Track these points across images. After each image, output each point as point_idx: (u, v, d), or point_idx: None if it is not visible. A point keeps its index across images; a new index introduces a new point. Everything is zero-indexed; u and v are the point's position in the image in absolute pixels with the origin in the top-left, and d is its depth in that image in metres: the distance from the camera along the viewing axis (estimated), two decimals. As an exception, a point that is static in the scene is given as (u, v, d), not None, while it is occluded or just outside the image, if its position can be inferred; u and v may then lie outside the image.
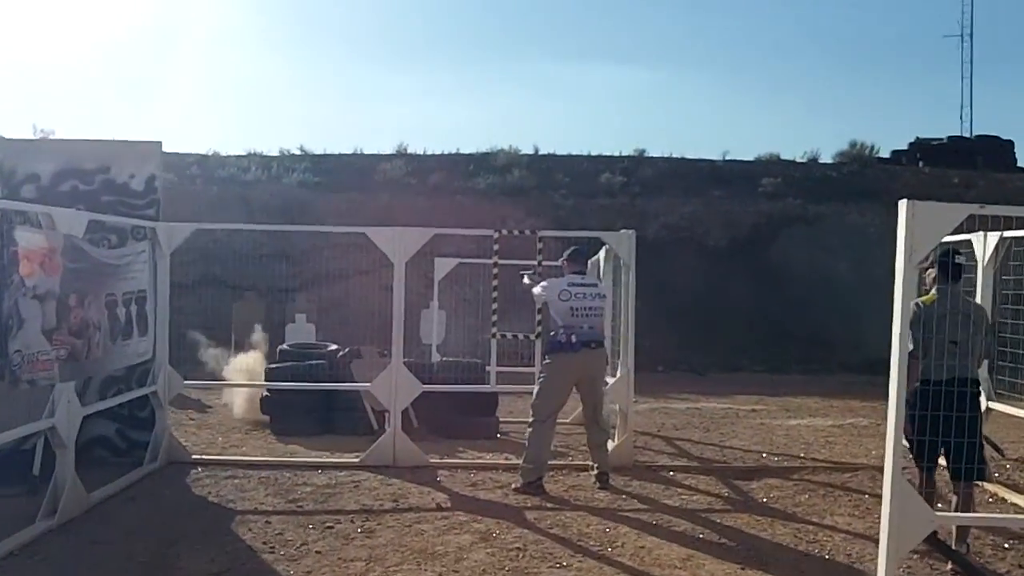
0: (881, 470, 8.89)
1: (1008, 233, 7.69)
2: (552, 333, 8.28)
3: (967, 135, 30.07)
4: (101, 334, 7.06)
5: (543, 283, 8.33)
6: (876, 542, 6.46)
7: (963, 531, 6.28)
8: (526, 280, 8.62)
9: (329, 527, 6.72)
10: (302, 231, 17.29)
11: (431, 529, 6.69)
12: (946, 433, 5.68)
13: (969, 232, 7.69)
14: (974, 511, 6.44)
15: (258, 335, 13.68)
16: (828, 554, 6.33)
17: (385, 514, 7.09)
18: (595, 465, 8.30)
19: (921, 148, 27.74)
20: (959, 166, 25.55)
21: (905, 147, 28.18)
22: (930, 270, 6.34)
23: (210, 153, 25.95)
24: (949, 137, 28.78)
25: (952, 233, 5.05)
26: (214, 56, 58.68)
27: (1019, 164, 27.24)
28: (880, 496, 7.88)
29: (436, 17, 63.93)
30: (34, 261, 5.93)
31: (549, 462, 8.28)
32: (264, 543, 6.31)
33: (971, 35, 32.48)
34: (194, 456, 8.87)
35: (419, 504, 7.42)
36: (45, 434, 6.71)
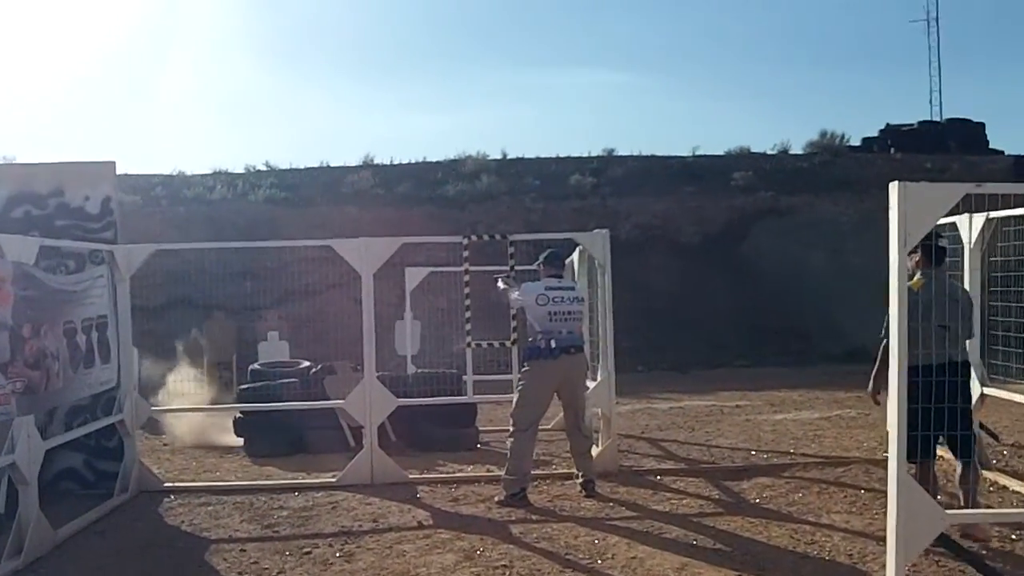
0: (874, 463, 8.89)
1: (994, 214, 7.50)
2: (530, 339, 8.04)
3: (937, 119, 30.10)
4: (60, 364, 6.75)
5: (519, 288, 8.08)
6: (876, 540, 6.34)
7: (969, 501, 6.18)
8: (500, 285, 8.35)
9: (307, 552, 6.45)
10: (269, 247, 16.94)
11: (413, 549, 6.43)
12: (940, 419, 5.43)
13: (952, 214, 7.49)
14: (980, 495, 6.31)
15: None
16: (828, 555, 6.10)
17: (364, 535, 6.82)
18: (580, 473, 8.06)
19: (892, 134, 27.76)
20: (931, 151, 25.54)
21: (876, 134, 28.15)
22: (913, 255, 6.12)
23: (175, 173, 25.63)
24: (919, 122, 28.83)
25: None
26: (177, 76, 58.14)
27: (991, 146, 27.23)
28: (876, 490, 7.82)
29: (399, 29, 63.79)
30: (-19, 291, 5.63)
31: (532, 472, 8.03)
32: (239, 573, 6.04)
33: (937, 19, 32.57)
34: (166, 484, 8.56)
35: (399, 523, 7.15)
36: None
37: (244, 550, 6.54)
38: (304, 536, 6.87)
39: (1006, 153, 26.35)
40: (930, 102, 32.34)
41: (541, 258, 8.21)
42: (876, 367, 6.55)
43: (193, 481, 8.90)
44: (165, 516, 7.59)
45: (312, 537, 6.82)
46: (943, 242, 6.33)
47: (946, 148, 25.85)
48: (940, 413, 5.39)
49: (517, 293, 8.08)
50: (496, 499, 7.69)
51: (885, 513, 6.96)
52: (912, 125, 28.64)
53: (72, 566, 6.24)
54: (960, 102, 65.68)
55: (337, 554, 6.38)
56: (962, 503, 6.32)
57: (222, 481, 8.89)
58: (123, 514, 7.65)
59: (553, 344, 7.74)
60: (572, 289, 8.16)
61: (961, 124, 28.29)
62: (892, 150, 27.04)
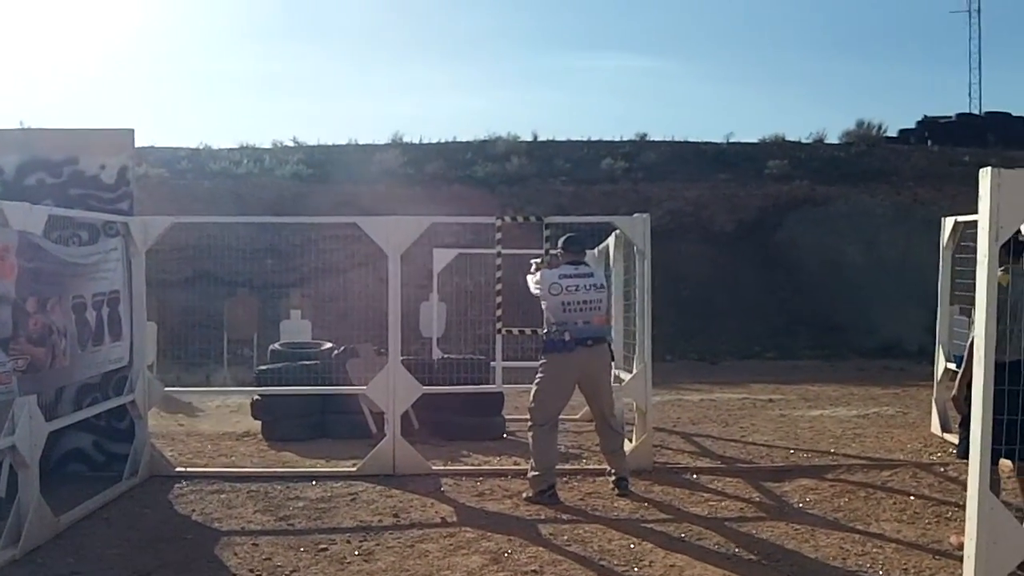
0: (921, 467, 8.42)
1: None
2: (545, 331, 7.55)
3: (976, 112, 29.45)
4: (67, 341, 6.39)
5: (536, 275, 7.60)
6: (932, 554, 5.91)
7: None
8: (533, 271, 7.87)
9: (323, 549, 6.05)
10: (295, 223, 16.63)
11: (436, 549, 6.02)
12: (1012, 413, 4.94)
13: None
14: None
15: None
16: (883, 570, 5.63)
17: (385, 532, 6.42)
18: (612, 470, 7.62)
19: (929, 126, 27.22)
20: (969, 144, 24.97)
21: (913, 126, 27.59)
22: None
23: (201, 147, 25.40)
24: (958, 114, 28.26)
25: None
26: (206, 49, 57.99)
27: (1030, 140, 26.55)
28: (926, 498, 7.37)
29: (430, 9, 63.28)
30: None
31: (559, 467, 7.60)
32: (250, 571, 5.64)
33: (979, 10, 31.97)
34: (178, 469, 8.18)
35: (422, 519, 6.74)
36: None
37: (257, 544, 6.15)
38: (321, 531, 6.47)
39: (1046, 148, 25.66)
40: (969, 95, 31.77)
41: (560, 243, 7.68)
42: (964, 367, 6.06)
43: (207, 466, 8.50)
44: (175, 503, 7.20)
45: (329, 532, 6.42)
46: (1021, 235, 5.86)
47: (984, 142, 25.26)
48: (1013, 404, 4.91)
49: (533, 281, 7.63)
50: (524, 495, 7.27)
51: (938, 523, 6.67)
52: (950, 118, 28.08)
53: (72, 557, 5.83)
54: (1000, 95, 64.75)
55: (355, 552, 5.98)
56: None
57: (237, 467, 8.50)
58: (131, 500, 7.26)
59: (567, 336, 7.27)
60: (591, 276, 7.52)
61: (1001, 118, 27.73)
62: (929, 143, 26.46)
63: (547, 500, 7.12)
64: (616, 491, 7.42)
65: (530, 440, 7.44)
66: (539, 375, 7.46)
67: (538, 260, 7.92)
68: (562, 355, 7.32)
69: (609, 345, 7.68)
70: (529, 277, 7.75)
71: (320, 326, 14.63)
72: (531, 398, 7.48)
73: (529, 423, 7.48)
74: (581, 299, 7.34)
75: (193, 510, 7.01)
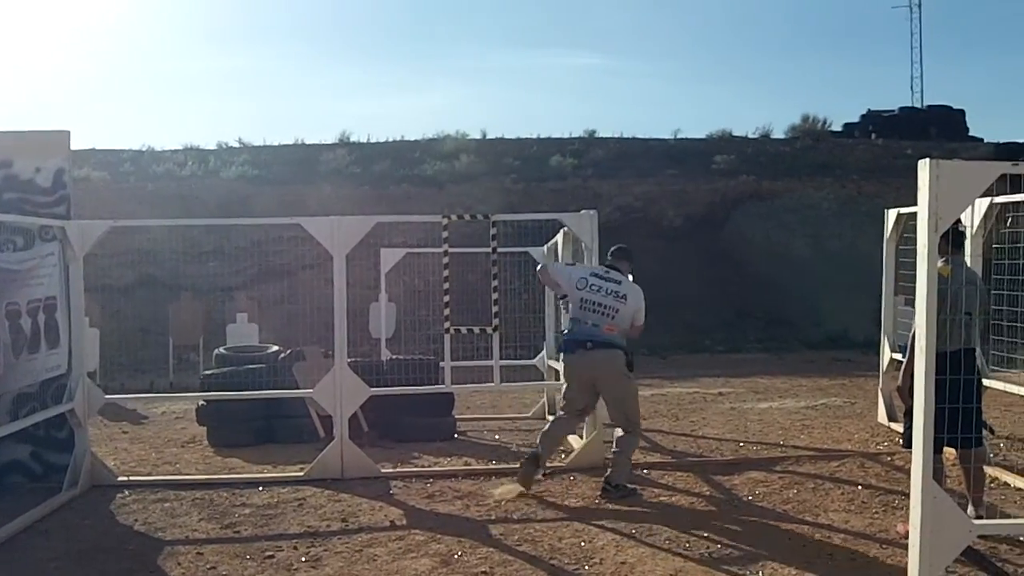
0: (868, 456, 8.49)
1: (998, 199, 7.09)
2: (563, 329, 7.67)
3: (918, 106, 29.90)
4: (1, 349, 6.22)
5: (568, 264, 7.73)
6: (878, 542, 5.97)
7: (978, 498, 5.90)
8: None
9: (269, 556, 5.94)
10: (240, 225, 16.40)
11: (384, 553, 5.94)
12: (954, 401, 4.97)
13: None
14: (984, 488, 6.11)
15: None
16: (831, 559, 5.66)
17: (332, 537, 6.32)
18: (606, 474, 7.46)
19: (873, 120, 27.58)
20: (911, 137, 25.33)
21: (857, 120, 27.93)
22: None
23: (144, 149, 25.02)
24: (900, 108, 28.66)
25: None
26: (149, 50, 57.19)
27: (971, 133, 27.02)
28: (873, 487, 7.42)
29: (375, 9, 62.95)
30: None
31: (505, 465, 7.61)
32: (194, 580, 5.53)
33: (919, 5, 32.41)
34: (120, 478, 7.99)
35: (371, 523, 6.65)
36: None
37: (201, 553, 6.02)
38: (267, 537, 6.35)
39: (986, 140, 26.10)
40: (911, 88, 32.26)
41: (610, 251, 7.79)
42: (908, 357, 6.10)
43: (150, 474, 8.34)
44: (117, 514, 7.03)
45: (276, 539, 6.31)
46: (961, 227, 5.93)
47: (927, 134, 25.64)
48: (953, 393, 4.94)
49: (557, 271, 7.79)
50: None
51: (885, 512, 6.71)
52: (893, 111, 28.48)
53: (8, 572, 5.69)
54: (941, 89, 65.87)
55: (302, 558, 5.88)
56: (970, 502, 5.96)
57: (181, 474, 8.35)
58: (71, 511, 7.06)
59: (572, 336, 7.43)
60: (617, 284, 7.46)
61: (942, 111, 28.19)
62: (873, 136, 26.79)
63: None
64: (600, 494, 7.27)
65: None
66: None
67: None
68: (567, 356, 7.53)
69: (624, 351, 7.47)
70: (548, 266, 7.93)
71: (267, 329, 14.46)
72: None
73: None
74: (598, 301, 7.37)
75: (135, 520, 6.86)
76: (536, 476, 7.42)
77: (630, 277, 7.65)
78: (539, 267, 7.99)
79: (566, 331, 7.60)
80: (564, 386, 7.74)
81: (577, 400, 7.63)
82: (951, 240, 5.65)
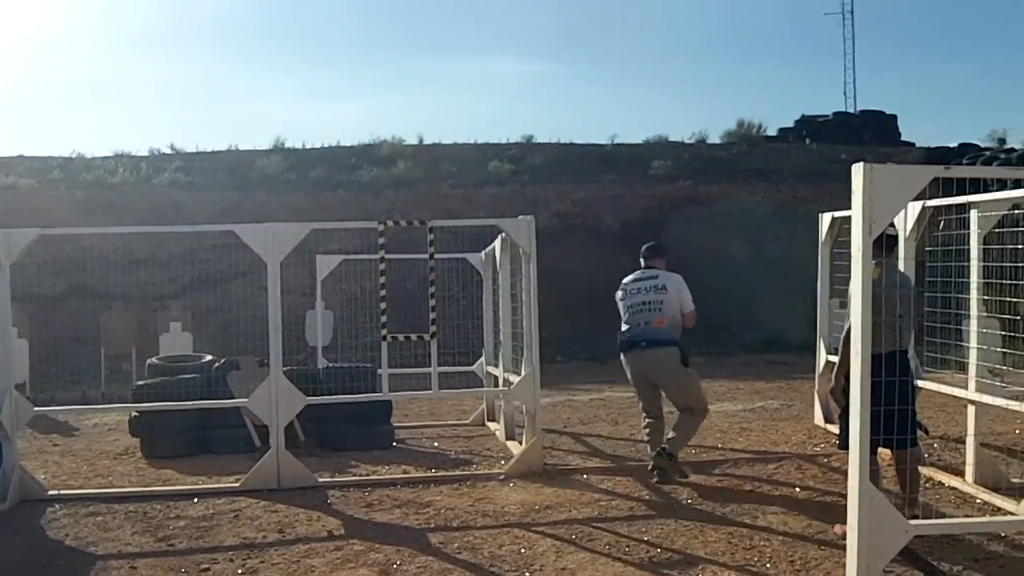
0: (805, 458, 8.57)
1: (931, 202, 7.20)
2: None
3: (852, 111, 30.39)
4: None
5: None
6: (816, 543, 6.01)
7: (913, 498, 5.95)
8: None
9: (205, 569, 5.83)
10: (173, 233, 16.12)
11: (322, 564, 5.85)
12: (888, 403, 5.05)
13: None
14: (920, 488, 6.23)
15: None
16: (770, 562, 5.69)
17: (269, 548, 6.22)
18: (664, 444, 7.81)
19: (807, 125, 27.97)
20: (845, 141, 25.71)
21: (791, 125, 28.32)
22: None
23: (74, 155, 24.49)
24: (834, 113, 29.08)
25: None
26: (78, 56, 56.16)
27: (903, 138, 27.52)
28: (811, 488, 7.50)
29: (312, 18, 62.53)
30: None
31: (448, 472, 7.56)
32: (126, 596, 5.40)
33: (852, 12, 32.97)
34: (51, 492, 7.79)
35: (308, 533, 6.55)
36: None
37: (135, 567, 5.89)
38: (202, 550, 6.23)
39: (917, 145, 26.60)
40: (844, 94, 32.81)
41: (641, 251, 8.24)
42: (839, 359, 6.18)
43: (82, 488, 8.14)
44: (47, 528, 6.85)
45: (211, 551, 6.19)
46: (892, 230, 6.00)
47: (860, 139, 26.05)
48: (888, 394, 5.01)
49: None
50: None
51: (823, 513, 6.76)
52: (827, 116, 28.88)
53: (-68, 591, 5.53)
54: (874, 94, 67.07)
55: (239, 571, 5.78)
56: (905, 502, 6.03)
57: (114, 487, 8.17)
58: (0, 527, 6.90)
59: (624, 339, 7.81)
60: (654, 278, 7.91)
61: (875, 116, 28.66)
62: (807, 140, 27.17)
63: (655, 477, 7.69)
64: (651, 465, 7.79)
65: None
66: None
67: None
68: (623, 356, 7.89)
69: (678, 346, 7.79)
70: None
71: (201, 338, 14.22)
72: None
73: None
74: (641, 300, 7.82)
75: (67, 535, 6.69)
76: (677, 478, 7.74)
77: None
78: None
79: (621, 332, 7.88)
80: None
81: (643, 396, 8.06)
82: (882, 244, 5.74)
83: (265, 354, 8.35)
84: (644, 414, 8.12)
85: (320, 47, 66.12)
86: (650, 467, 7.82)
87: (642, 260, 8.18)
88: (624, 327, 7.86)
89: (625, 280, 8.09)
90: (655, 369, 7.80)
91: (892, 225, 6.05)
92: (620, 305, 7.97)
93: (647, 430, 8.08)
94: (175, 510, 7.26)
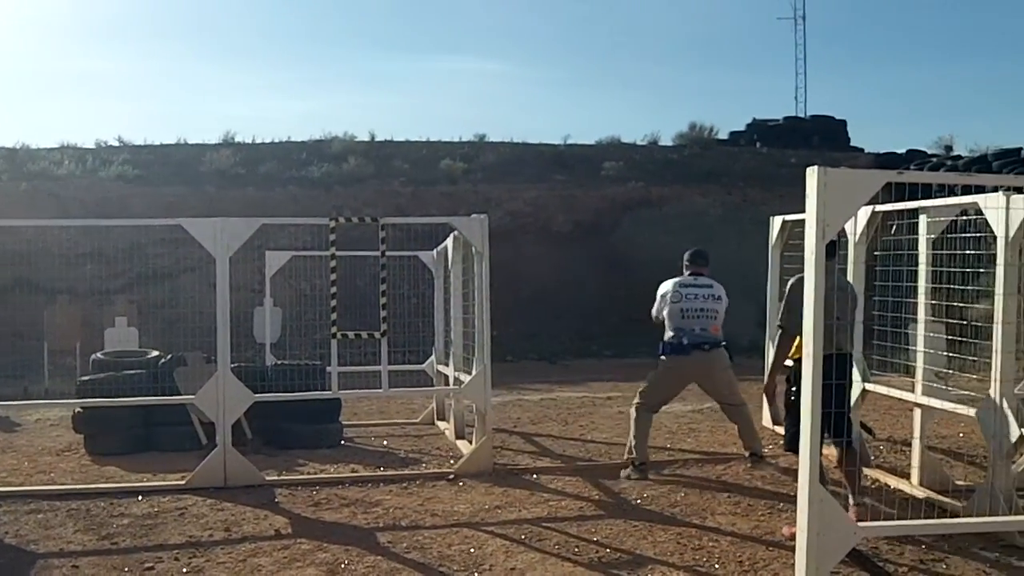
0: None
1: (880, 207, 7.28)
2: (664, 335, 8.13)
3: (802, 116, 30.72)
4: None
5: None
6: (765, 544, 6.06)
7: (853, 487, 6.15)
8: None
9: (149, 568, 5.74)
10: (119, 226, 15.88)
11: (269, 563, 5.79)
12: (827, 404, 5.10)
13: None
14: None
15: None
16: (718, 562, 5.72)
17: (215, 547, 6.14)
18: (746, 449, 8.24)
19: (758, 129, 28.22)
20: (795, 145, 25.99)
21: (743, 128, 28.55)
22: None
23: (18, 146, 23.99)
24: (785, 118, 29.40)
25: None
26: (24, 47, 55.17)
27: (852, 143, 27.89)
28: (759, 489, 7.55)
29: (263, 13, 61.98)
30: None
31: (398, 471, 7.53)
32: (68, 595, 5.29)
33: (803, 17, 33.24)
34: (-10, 489, 7.65)
35: (255, 532, 6.48)
36: None
37: (77, 566, 5.78)
38: (147, 548, 6.13)
39: (866, 151, 26.96)
40: (795, 98, 33.03)
41: (687, 256, 8.39)
42: (773, 361, 6.25)
43: (23, 484, 7.99)
44: (-14, 526, 6.72)
45: (156, 549, 6.09)
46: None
47: (810, 144, 26.34)
48: (830, 402, 5.06)
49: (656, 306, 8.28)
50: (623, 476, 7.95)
51: (771, 515, 6.82)
52: (778, 120, 29.18)
53: None
54: (824, 99, 68.01)
55: (184, 569, 5.69)
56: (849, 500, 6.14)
57: (56, 484, 8.02)
58: (-64, 526, 6.74)
59: (685, 341, 7.95)
60: (710, 288, 8.17)
61: (824, 121, 29.01)
62: (758, 144, 27.41)
63: (637, 473, 7.91)
64: (750, 464, 8.14)
65: (631, 416, 8.29)
66: (656, 370, 8.27)
67: None
68: (679, 357, 8.03)
69: (726, 348, 8.21)
70: (654, 311, 8.35)
71: (148, 334, 13.98)
72: (646, 383, 8.35)
73: (637, 400, 8.31)
74: (699, 307, 8.05)
75: (6, 532, 6.54)
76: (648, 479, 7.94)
77: None
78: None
79: (671, 336, 8.03)
80: (652, 384, 8.29)
81: (666, 396, 8.41)
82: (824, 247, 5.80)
83: (212, 350, 8.25)
84: (648, 412, 8.30)
85: (272, 43, 65.64)
86: (749, 465, 8.17)
87: (688, 263, 8.37)
88: (676, 330, 8.02)
89: (676, 281, 8.21)
90: (715, 367, 8.14)
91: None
92: (669, 306, 8.08)
93: (645, 420, 8.28)
94: (119, 508, 7.14)
